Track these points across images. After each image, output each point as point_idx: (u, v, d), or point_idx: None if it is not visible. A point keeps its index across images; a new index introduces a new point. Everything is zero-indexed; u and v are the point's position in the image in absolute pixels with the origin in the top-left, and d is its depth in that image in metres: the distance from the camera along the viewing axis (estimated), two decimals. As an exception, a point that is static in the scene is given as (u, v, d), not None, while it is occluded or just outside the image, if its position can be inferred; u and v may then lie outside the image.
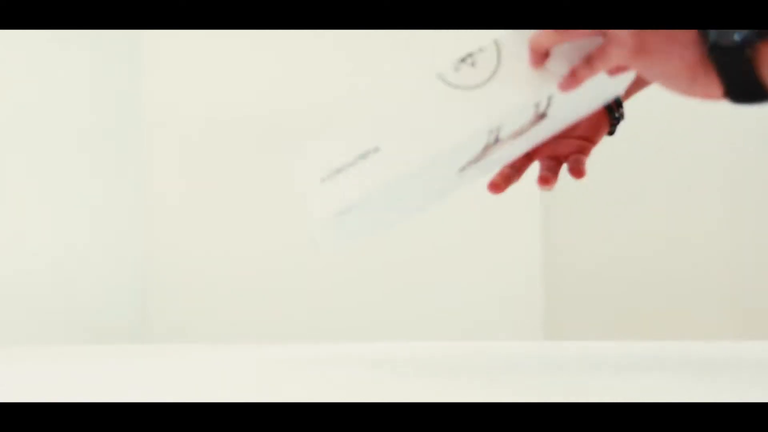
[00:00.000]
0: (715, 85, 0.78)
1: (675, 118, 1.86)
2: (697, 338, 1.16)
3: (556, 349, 1.21)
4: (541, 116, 0.84)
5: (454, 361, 1.01)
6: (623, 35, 0.79)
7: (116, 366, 1.09)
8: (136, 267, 2.06)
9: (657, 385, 0.77)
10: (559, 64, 0.81)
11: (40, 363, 1.13)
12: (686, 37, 0.79)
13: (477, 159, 0.86)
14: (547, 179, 0.93)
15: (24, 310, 1.81)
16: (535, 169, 0.95)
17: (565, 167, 0.95)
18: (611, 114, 0.96)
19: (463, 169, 0.86)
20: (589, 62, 0.81)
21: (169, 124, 2.08)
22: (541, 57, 0.82)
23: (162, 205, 2.07)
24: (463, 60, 0.83)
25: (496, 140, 0.84)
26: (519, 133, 0.86)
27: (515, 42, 0.83)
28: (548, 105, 0.83)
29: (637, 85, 0.92)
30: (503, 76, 0.82)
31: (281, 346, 1.23)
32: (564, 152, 0.95)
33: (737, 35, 0.76)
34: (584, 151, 0.96)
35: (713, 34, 0.78)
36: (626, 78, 0.86)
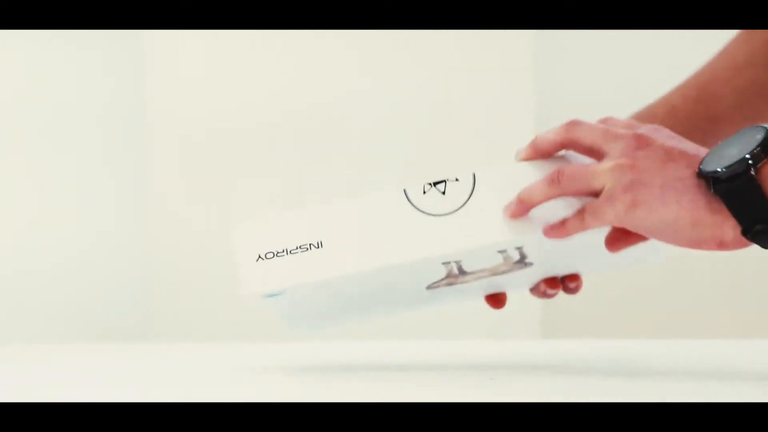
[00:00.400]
0: (728, 225, 0.72)
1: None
2: (696, 338, 1.17)
3: (553, 348, 1.21)
4: (521, 261, 0.82)
5: (452, 360, 1.01)
6: (618, 193, 0.74)
7: (118, 365, 1.09)
8: (138, 266, 2.06)
9: (657, 385, 0.78)
10: (542, 214, 0.79)
11: (41, 362, 1.13)
12: (682, 180, 0.73)
13: (447, 282, 0.85)
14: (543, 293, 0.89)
15: (25, 309, 1.81)
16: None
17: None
18: None
19: (432, 287, 0.85)
20: (581, 216, 0.76)
21: (171, 123, 2.08)
22: (526, 209, 0.78)
23: (164, 204, 2.07)
24: (434, 184, 0.81)
25: (461, 271, 0.83)
26: (495, 272, 0.84)
27: (493, 181, 0.81)
28: (525, 252, 0.81)
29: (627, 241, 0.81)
30: (469, 213, 0.80)
31: (282, 345, 1.23)
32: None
33: (736, 162, 0.71)
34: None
35: (709, 167, 0.72)
36: (651, 251, 0.82)
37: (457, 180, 0.81)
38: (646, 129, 0.76)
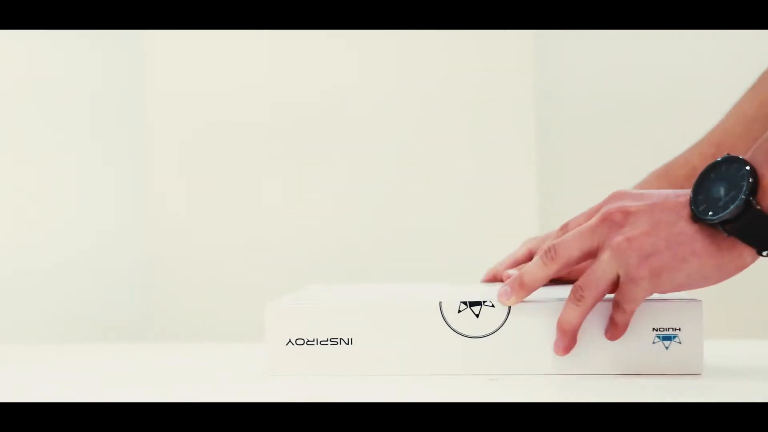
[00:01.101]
0: (746, 253, 0.75)
1: (675, 117, 1.86)
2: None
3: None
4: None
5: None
6: (634, 272, 0.76)
7: (118, 365, 1.09)
8: (138, 266, 2.06)
9: (656, 384, 0.77)
10: None
11: (41, 362, 1.13)
12: (683, 233, 0.76)
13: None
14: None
15: (25, 309, 1.81)
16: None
17: None
18: None
19: None
20: (620, 309, 0.79)
21: (172, 123, 2.08)
22: (572, 337, 0.81)
23: (165, 204, 2.07)
24: (469, 305, 0.84)
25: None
26: None
27: (527, 311, 0.83)
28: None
29: None
30: (503, 337, 0.83)
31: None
32: None
33: (737, 202, 0.74)
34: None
35: (711, 214, 0.75)
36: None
37: (492, 305, 0.83)
38: (608, 205, 0.79)
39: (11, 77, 1.80)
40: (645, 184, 1.03)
